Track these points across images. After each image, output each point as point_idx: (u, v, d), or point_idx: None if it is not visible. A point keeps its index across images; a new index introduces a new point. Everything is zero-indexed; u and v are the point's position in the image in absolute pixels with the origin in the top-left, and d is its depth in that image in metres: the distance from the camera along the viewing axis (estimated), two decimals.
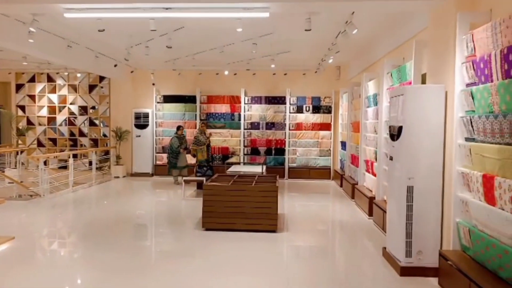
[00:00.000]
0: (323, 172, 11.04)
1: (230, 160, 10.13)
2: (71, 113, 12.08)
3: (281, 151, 11.25)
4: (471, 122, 3.41)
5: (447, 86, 3.90)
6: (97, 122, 12.05)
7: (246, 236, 5.37)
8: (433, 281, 3.86)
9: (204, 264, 4.42)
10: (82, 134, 12.07)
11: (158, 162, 11.53)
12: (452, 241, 3.71)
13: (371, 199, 6.43)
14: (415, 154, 4.01)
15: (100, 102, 11.99)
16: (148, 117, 11.36)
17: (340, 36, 6.52)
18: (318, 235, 5.89)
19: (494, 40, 3.12)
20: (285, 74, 11.01)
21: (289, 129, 11.22)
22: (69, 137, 12.09)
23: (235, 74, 11.01)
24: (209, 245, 5.05)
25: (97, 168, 10.23)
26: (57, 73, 11.92)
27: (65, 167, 10.01)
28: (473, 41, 3.45)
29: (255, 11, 5.02)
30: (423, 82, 4.81)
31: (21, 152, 10.68)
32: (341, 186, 9.54)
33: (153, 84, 11.23)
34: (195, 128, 11.35)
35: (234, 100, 11.40)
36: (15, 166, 10.09)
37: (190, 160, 9.86)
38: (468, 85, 3.56)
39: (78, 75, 11.76)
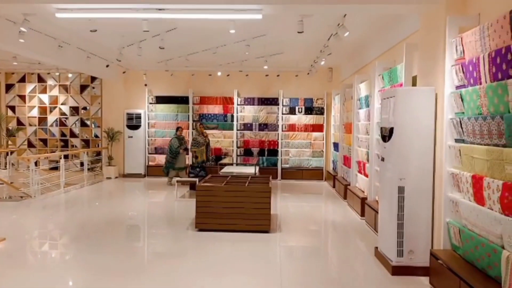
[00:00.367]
0: (315, 173, 11.11)
1: (223, 161, 10.13)
2: (62, 113, 11.99)
3: (274, 152, 11.30)
4: (461, 124, 3.47)
5: (437, 88, 3.97)
6: (88, 122, 11.97)
7: (239, 236, 5.39)
8: (424, 280, 3.92)
9: (197, 265, 4.43)
10: (73, 135, 11.98)
11: (150, 163, 11.49)
12: (443, 241, 3.77)
13: (363, 200, 6.49)
14: (406, 155, 4.07)
15: (92, 102, 11.91)
16: (140, 117, 11.31)
17: (332, 39, 6.58)
18: (311, 235, 5.93)
19: (482, 44, 3.19)
20: (277, 76, 11.05)
21: (282, 130, 11.27)
22: (60, 137, 11.99)
23: (228, 75, 11.02)
24: (203, 246, 5.06)
25: (88, 169, 10.16)
26: (48, 73, 11.81)
27: (56, 168, 9.93)
28: (462, 45, 3.51)
29: (248, 13, 5.04)
30: (414, 84, 4.88)
31: (11, 153, 10.56)
32: (333, 187, 9.61)
33: (146, 84, 11.20)
34: (187, 129, 11.34)
35: (227, 101, 11.42)
36: (5, 167, 9.98)
37: (188, 161, 9.82)
38: (457, 87, 3.62)
39: (70, 75, 11.67)
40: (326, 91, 11.11)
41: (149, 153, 11.52)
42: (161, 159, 11.47)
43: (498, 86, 2.92)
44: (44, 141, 12.04)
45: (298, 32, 5.33)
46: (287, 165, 11.26)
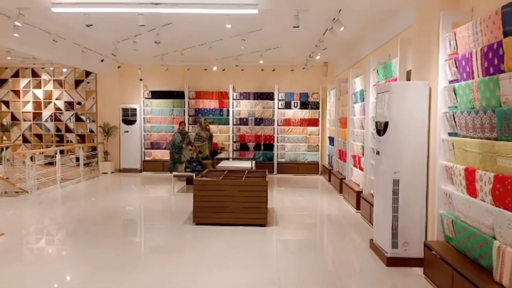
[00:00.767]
0: (311, 167, 11.19)
1: (219, 156, 10.17)
2: (57, 108, 11.93)
3: (270, 147, 11.35)
4: (454, 118, 3.54)
5: (431, 82, 4.03)
6: (83, 117, 11.93)
7: (236, 230, 5.45)
8: (418, 271, 4.01)
9: (195, 258, 4.48)
10: (68, 130, 11.94)
11: (146, 158, 11.50)
12: (436, 232, 3.85)
13: (359, 193, 6.58)
14: (400, 148, 4.13)
15: (87, 97, 11.87)
16: (136, 112, 11.30)
17: (328, 33, 6.62)
18: (307, 228, 6.01)
19: (475, 39, 3.25)
20: (273, 70, 11.07)
21: (278, 125, 11.32)
22: (55, 133, 11.94)
23: (223, 69, 11.02)
24: (200, 240, 5.11)
25: (84, 164, 10.15)
26: (42, 68, 11.73)
27: (51, 163, 9.90)
28: (455, 39, 3.57)
29: (244, 7, 5.06)
30: (408, 78, 4.94)
31: (6, 148, 10.51)
32: (329, 181, 9.69)
33: (141, 79, 11.18)
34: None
35: (222, 96, 11.43)
36: (1, 162, 9.94)
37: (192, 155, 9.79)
38: (451, 81, 3.69)
39: (64, 70, 11.60)
40: (322, 86, 11.16)
41: (145, 148, 11.53)
42: (157, 154, 11.49)
43: (490, 81, 2.98)
44: (39, 136, 12.00)
45: (294, 27, 5.36)
46: (283, 160, 11.32)
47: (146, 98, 11.52)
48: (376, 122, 4.63)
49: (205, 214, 5.66)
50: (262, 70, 11.06)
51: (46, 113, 11.94)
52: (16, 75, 11.93)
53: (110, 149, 11.15)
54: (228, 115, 11.35)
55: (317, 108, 11.25)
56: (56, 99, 11.92)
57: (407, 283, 3.84)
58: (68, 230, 5.70)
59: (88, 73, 11.67)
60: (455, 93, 3.54)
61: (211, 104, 11.46)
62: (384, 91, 4.34)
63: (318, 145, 11.26)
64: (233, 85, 11.35)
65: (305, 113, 11.29)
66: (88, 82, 11.81)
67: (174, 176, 8.45)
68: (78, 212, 6.81)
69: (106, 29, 7.44)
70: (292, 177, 10.81)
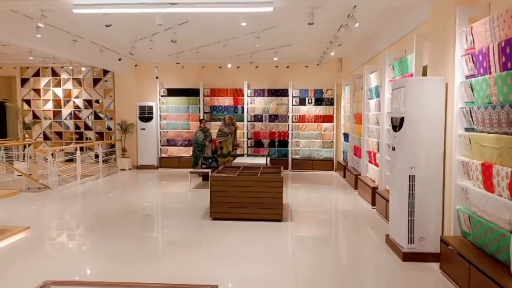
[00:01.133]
0: (326, 164, 11.20)
1: (234, 152, 10.27)
2: (76, 106, 12.23)
3: (284, 143, 11.40)
4: (471, 113, 3.54)
5: (447, 78, 4.02)
6: (102, 115, 12.19)
7: (252, 225, 5.54)
8: (434, 266, 4.02)
9: (212, 252, 4.59)
10: (87, 127, 12.23)
11: (163, 155, 11.70)
12: (453, 227, 3.86)
13: (374, 189, 6.59)
14: (416, 144, 4.14)
15: (105, 95, 12.12)
16: (152, 110, 11.49)
17: (342, 29, 6.62)
18: (322, 224, 6.05)
19: (492, 34, 3.24)
20: (287, 67, 11.11)
21: (292, 121, 11.35)
22: (75, 130, 12.25)
23: (238, 67, 11.11)
24: (217, 234, 5.23)
25: (103, 161, 10.40)
26: (62, 67, 12.04)
27: (71, 160, 10.19)
28: (472, 35, 3.56)
29: (259, 6, 5.12)
30: (424, 74, 4.92)
31: (28, 145, 10.85)
32: (344, 177, 9.70)
33: (157, 77, 11.36)
34: (198, 121, 11.48)
35: (237, 93, 11.52)
36: (23, 159, 10.27)
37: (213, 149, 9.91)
38: (467, 77, 3.68)
39: (83, 69, 11.88)
40: (336, 82, 11.13)
41: (161, 145, 11.73)
42: (173, 150, 11.69)
43: (507, 75, 2.98)
44: (59, 134, 12.33)
45: (309, 24, 5.40)
46: (298, 156, 11.36)
47: (162, 95, 11.71)
48: (391, 118, 4.64)
49: (222, 209, 5.77)
50: (276, 67, 11.10)
51: (66, 111, 12.26)
52: (36, 74, 12.27)
53: (128, 146, 11.39)
54: (242, 112, 11.44)
55: (332, 104, 11.24)
56: (75, 97, 12.22)
57: (424, 277, 3.86)
58: (88, 224, 5.89)
59: (106, 72, 11.92)
60: (471, 88, 3.54)
61: (226, 101, 11.57)
62: (400, 87, 4.34)
63: (332, 141, 11.25)
64: (248, 82, 11.42)
65: (320, 110, 11.29)
66: (106, 81, 12.07)
67: (191, 172, 8.59)
68: (98, 208, 7.02)
69: (123, 28, 7.61)
70: (307, 173, 10.85)
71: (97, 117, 12.21)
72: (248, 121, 11.45)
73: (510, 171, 2.95)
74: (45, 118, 12.33)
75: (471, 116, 3.54)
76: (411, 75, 5.11)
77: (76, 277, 3.88)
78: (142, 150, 11.53)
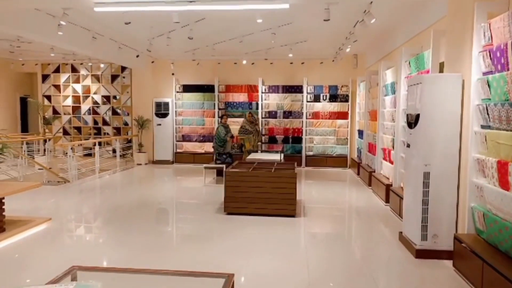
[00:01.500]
0: (340, 160, 11.18)
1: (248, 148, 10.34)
2: (95, 102, 12.50)
3: (298, 140, 11.42)
4: (487, 110, 3.51)
5: (464, 74, 3.99)
6: (119, 111, 12.44)
7: (266, 220, 5.61)
8: (447, 263, 4.02)
9: (226, 246, 4.68)
10: (105, 123, 12.50)
11: (178, 150, 11.87)
12: (467, 225, 3.85)
13: (388, 186, 6.57)
14: (432, 141, 4.13)
15: (122, 91, 12.35)
16: (168, 106, 11.66)
17: (358, 26, 6.60)
18: (335, 220, 6.08)
19: (510, 30, 3.21)
20: (302, 63, 11.10)
21: (306, 118, 11.35)
22: (93, 125, 12.53)
23: (253, 63, 11.16)
24: (231, 228, 5.32)
25: (120, 156, 10.63)
26: (81, 63, 12.32)
27: (89, 155, 10.45)
28: (490, 30, 3.53)
29: (275, 2, 5.18)
30: (441, 70, 4.88)
31: (48, 140, 11.16)
32: (358, 174, 9.67)
33: (173, 74, 11.51)
34: (213, 117, 11.62)
35: (251, 89, 11.58)
36: (44, 153, 10.58)
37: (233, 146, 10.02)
38: (484, 73, 3.65)
39: (102, 65, 12.12)
40: (351, 78, 11.07)
41: (176, 141, 11.90)
42: (188, 146, 11.84)
43: None
44: (78, 129, 12.63)
45: (324, 20, 5.42)
46: (311, 153, 11.37)
47: (177, 92, 11.86)
48: (407, 115, 4.62)
49: (236, 204, 5.86)
50: (291, 63, 11.11)
51: (85, 106, 12.55)
52: (57, 70, 12.59)
53: (144, 141, 11.60)
54: (257, 108, 11.50)
55: (347, 101, 11.19)
56: (94, 93, 12.49)
57: (436, 274, 3.87)
58: (105, 217, 6.07)
59: (123, 68, 12.14)
60: (488, 85, 3.51)
61: (240, 97, 11.64)
62: (416, 83, 4.33)
63: (347, 138, 11.21)
64: (262, 78, 11.47)
65: (334, 106, 11.26)
66: (123, 77, 12.29)
67: (205, 167, 8.71)
68: (115, 201, 7.21)
69: (141, 26, 7.75)
70: (321, 170, 10.85)
71: (114, 112, 12.45)
72: (262, 118, 11.50)
73: None
74: (64, 114, 12.64)
75: (488, 113, 3.51)
76: (428, 72, 5.08)
77: (97, 265, 4.02)
78: (158, 146, 11.73)
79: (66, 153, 8.87)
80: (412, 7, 6.02)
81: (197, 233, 5.35)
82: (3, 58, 11.73)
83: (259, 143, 10.54)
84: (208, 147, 11.70)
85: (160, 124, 11.71)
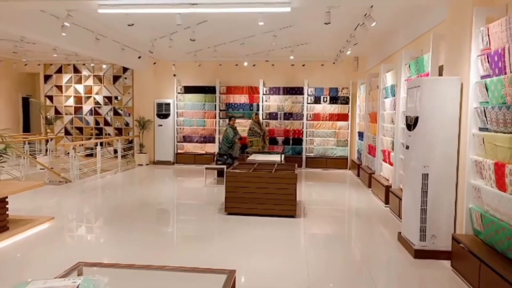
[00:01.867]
0: (340, 162, 11.24)
1: (250, 150, 10.40)
2: (96, 103, 12.57)
3: (298, 141, 11.49)
4: (485, 113, 3.58)
5: (463, 78, 4.06)
6: (121, 112, 12.51)
7: (266, 220, 5.67)
8: (446, 263, 4.07)
9: (226, 245, 4.74)
10: (107, 123, 12.56)
11: (179, 151, 11.94)
12: (465, 226, 3.91)
13: (388, 188, 6.63)
14: (430, 143, 4.19)
15: (124, 92, 12.43)
16: (169, 107, 11.73)
17: (359, 29, 6.67)
18: (335, 221, 6.14)
19: (508, 34, 3.27)
20: (303, 65, 11.18)
21: (307, 120, 11.42)
22: (95, 126, 12.60)
23: (254, 65, 11.24)
24: (232, 228, 5.37)
25: (121, 156, 10.69)
26: (83, 64, 12.39)
27: (91, 155, 10.50)
28: (488, 35, 3.60)
29: (277, 6, 5.24)
30: (440, 74, 4.95)
31: (50, 140, 11.22)
32: (358, 175, 9.73)
33: (174, 75, 11.59)
34: (214, 118, 11.69)
35: (252, 91, 11.65)
36: (46, 153, 10.64)
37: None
38: (482, 77, 3.72)
39: (104, 66, 12.20)
40: (352, 81, 11.14)
41: (177, 141, 11.96)
42: (189, 147, 11.91)
43: None
44: (80, 129, 12.70)
45: (325, 23, 5.49)
46: (312, 154, 11.43)
47: (179, 93, 11.94)
48: (406, 117, 4.69)
49: (237, 205, 5.92)
50: (292, 65, 11.19)
51: (86, 107, 12.61)
52: (59, 71, 12.66)
53: (145, 142, 11.67)
54: (258, 109, 11.57)
55: (347, 103, 11.26)
56: (96, 94, 12.56)
57: (435, 274, 3.92)
58: (107, 216, 6.12)
59: (125, 69, 12.22)
60: (486, 89, 3.58)
61: (242, 99, 11.71)
62: (416, 86, 4.39)
63: (347, 140, 11.28)
64: (263, 80, 11.54)
65: (335, 108, 11.33)
66: (125, 78, 12.36)
67: (206, 168, 8.77)
68: (116, 201, 7.27)
69: (144, 27, 7.82)
70: (321, 171, 10.91)
71: (116, 113, 12.53)
72: (263, 119, 11.56)
73: None
74: (66, 114, 12.71)
75: (485, 116, 3.58)
76: (427, 75, 5.15)
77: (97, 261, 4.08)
78: (159, 146, 11.79)
79: (68, 153, 8.93)
80: (412, 11, 6.09)
81: (198, 233, 5.41)
82: (6, 58, 11.80)
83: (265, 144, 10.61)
84: (209, 148, 11.78)
85: (161, 125, 11.77)
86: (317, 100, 11.41)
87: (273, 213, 5.82)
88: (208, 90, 11.81)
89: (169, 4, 5.28)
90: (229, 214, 5.94)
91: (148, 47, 9.08)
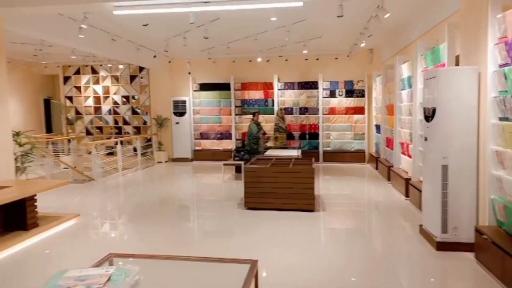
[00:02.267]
0: (357, 156, 11.17)
1: (266, 145, 10.45)
2: (115, 102, 12.83)
3: (315, 136, 11.46)
4: (504, 102, 3.52)
5: (480, 67, 3.99)
6: (138, 110, 12.73)
7: (285, 214, 5.72)
8: (469, 255, 4.04)
9: (247, 239, 4.82)
10: (125, 122, 12.82)
11: (196, 148, 12.09)
12: (488, 217, 3.87)
13: (407, 180, 6.58)
14: (449, 134, 4.15)
15: (141, 91, 12.63)
16: (185, 105, 11.87)
17: (372, 21, 6.60)
18: (355, 215, 6.13)
19: None
20: (317, 59, 11.12)
21: (323, 114, 11.37)
22: (114, 125, 12.87)
23: (267, 60, 11.25)
24: (252, 223, 5.45)
25: (141, 154, 10.91)
26: (101, 65, 12.65)
27: (111, 153, 10.75)
28: (505, 23, 3.53)
29: (289, 0, 5.25)
30: (457, 64, 4.87)
31: (72, 139, 11.53)
32: (376, 169, 9.66)
33: (189, 73, 11.71)
34: (230, 114, 11.77)
35: (267, 86, 11.67)
36: (68, 153, 10.95)
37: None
38: (501, 66, 3.65)
39: (120, 66, 12.42)
40: (367, 73, 11.03)
41: (195, 139, 12.11)
42: (206, 144, 12.05)
43: None
44: (100, 129, 13.00)
45: (338, 17, 5.46)
46: (329, 148, 11.40)
47: (194, 90, 12.06)
48: (424, 108, 4.65)
49: (256, 200, 5.99)
50: (306, 59, 11.15)
51: (105, 107, 12.89)
52: (77, 72, 12.97)
53: (163, 139, 11.86)
54: (273, 105, 11.59)
55: (363, 96, 11.16)
56: (114, 94, 12.81)
57: (458, 266, 3.90)
58: (130, 213, 6.30)
59: (141, 69, 12.41)
60: (505, 77, 3.52)
61: (256, 94, 11.75)
62: (432, 77, 4.35)
63: (364, 133, 11.19)
64: (278, 75, 11.54)
65: (350, 101, 11.25)
66: (141, 77, 12.56)
67: (224, 164, 8.87)
68: (138, 198, 7.44)
69: (158, 27, 7.94)
70: (338, 165, 10.88)
71: (134, 112, 12.76)
72: (276, 115, 11.55)
73: None
74: (86, 114, 13.02)
75: (505, 105, 3.52)
76: (444, 65, 5.07)
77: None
78: (176, 144, 11.97)
79: (90, 152, 9.18)
80: (426, 1, 5.99)
81: (219, 227, 5.51)
82: (27, 61, 12.15)
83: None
84: (226, 144, 11.87)
85: (178, 123, 11.93)
86: (332, 94, 11.35)
87: (292, 207, 5.87)
88: (223, 86, 11.89)
89: (182, 3, 5.35)
90: (249, 209, 6.02)
91: (163, 46, 9.22)
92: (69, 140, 11.35)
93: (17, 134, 7.40)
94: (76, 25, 6.65)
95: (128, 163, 10.33)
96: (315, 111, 11.45)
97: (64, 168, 9.40)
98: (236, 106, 11.81)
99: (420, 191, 5.57)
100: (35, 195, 5.00)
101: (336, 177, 9.18)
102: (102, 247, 4.55)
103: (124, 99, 12.76)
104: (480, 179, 4.10)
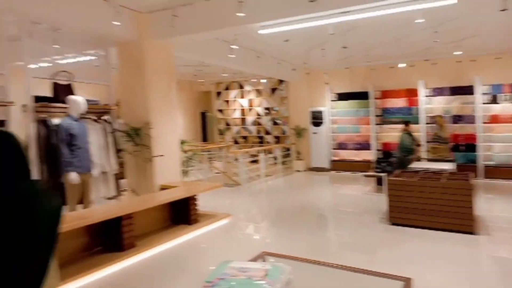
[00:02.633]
0: None
1: (418, 156, 9.59)
2: (258, 114, 13.83)
3: (471, 147, 10.05)
4: None
5: None
6: (278, 121, 13.43)
7: (436, 234, 5.18)
8: None
9: (393, 257, 4.54)
10: (267, 132, 13.68)
11: (334, 158, 12.02)
12: None
13: None
14: None
15: (280, 103, 13.31)
16: (323, 115, 11.96)
17: None
18: None
19: None
20: (472, 61, 9.78)
21: (482, 122, 9.89)
22: (257, 135, 13.88)
23: (411, 66, 10.45)
24: (396, 240, 5.13)
25: (281, 163, 11.46)
26: (246, 80, 13.85)
27: (255, 161, 11.60)
28: None
29: None
30: None
31: (223, 148, 12.91)
32: None
33: (327, 83, 11.77)
34: (368, 124, 11.34)
35: (410, 93, 10.82)
36: (220, 159, 12.30)
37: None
38: None
39: (263, 81, 13.36)
40: None
41: (332, 149, 12.07)
42: (344, 154, 11.87)
43: None
44: (245, 138, 14.19)
45: (501, 10, 4.74)
46: (491, 162, 9.81)
47: (332, 100, 12.05)
48: None
49: (401, 215, 5.60)
50: (458, 62, 9.93)
51: (250, 118, 14.02)
52: (227, 88, 14.49)
53: (301, 149, 12.19)
54: (418, 113, 10.67)
55: None
56: (257, 106, 13.84)
57: None
58: (272, 217, 6.71)
59: (281, 81, 13.09)
60: None
61: (399, 102, 11.03)
62: None
63: None
64: (423, 81, 10.59)
65: None
66: (281, 90, 13.24)
67: (365, 175, 8.58)
68: (279, 203, 7.85)
69: (298, 41, 8.26)
70: (503, 182, 9.26)
71: (275, 123, 13.51)
72: (426, 123, 10.58)
73: None
74: (234, 125, 14.40)
75: None
76: None
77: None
78: (314, 153, 12.13)
79: (236, 159, 10.10)
80: None
81: (362, 240, 5.33)
82: (188, 80, 14.19)
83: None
84: (365, 155, 11.47)
85: (316, 133, 12.09)
86: (494, 99, 9.79)
87: (445, 227, 5.26)
88: (361, 95, 11.54)
89: (321, 16, 5.43)
90: (393, 224, 5.66)
91: (302, 59, 9.55)
92: (220, 148, 12.72)
93: (182, 143, 8.71)
94: (228, 46, 7.48)
95: (269, 171, 10.97)
96: (471, 119, 10.04)
97: (216, 173, 10.57)
98: (376, 116, 11.31)
99: None
100: (196, 195, 5.82)
101: (502, 197, 7.82)
102: (250, 245, 5.10)
103: (266, 111, 13.64)
104: None
